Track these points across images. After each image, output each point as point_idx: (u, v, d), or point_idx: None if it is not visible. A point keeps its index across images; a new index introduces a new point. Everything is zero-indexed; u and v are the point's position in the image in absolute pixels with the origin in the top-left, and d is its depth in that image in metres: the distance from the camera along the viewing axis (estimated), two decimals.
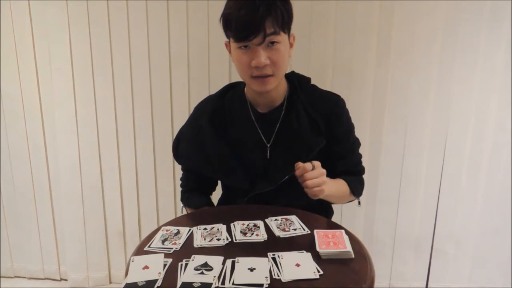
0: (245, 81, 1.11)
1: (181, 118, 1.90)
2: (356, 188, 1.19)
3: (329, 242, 0.88)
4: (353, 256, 0.86)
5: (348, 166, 1.19)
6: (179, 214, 1.96)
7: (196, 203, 1.24)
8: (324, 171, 1.02)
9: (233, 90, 1.22)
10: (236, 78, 1.80)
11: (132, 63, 1.86)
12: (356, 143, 1.23)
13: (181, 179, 1.30)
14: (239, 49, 1.03)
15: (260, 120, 1.16)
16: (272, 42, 1.01)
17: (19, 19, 1.85)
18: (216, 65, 1.84)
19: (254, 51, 1.01)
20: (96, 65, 1.87)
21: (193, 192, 1.26)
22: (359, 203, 1.23)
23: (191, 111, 1.86)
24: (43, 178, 2.03)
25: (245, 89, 1.19)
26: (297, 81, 1.18)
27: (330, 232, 0.92)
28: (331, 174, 1.14)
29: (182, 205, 1.28)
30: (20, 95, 1.94)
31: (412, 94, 1.80)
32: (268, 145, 1.15)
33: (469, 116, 1.80)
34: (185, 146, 1.21)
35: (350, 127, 1.21)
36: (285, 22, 1.01)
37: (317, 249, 0.86)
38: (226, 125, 1.17)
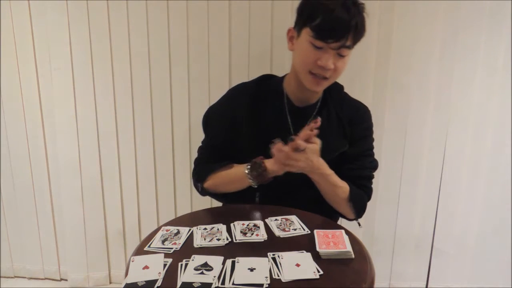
0: (300, 73, 1.10)
1: (181, 118, 1.90)
2: (356, 199, 1.16)
3: (329, 242, 0.88)
4: (353, 256, 0.86)
5: (353, 173, 1.17)
6: (179, 214, 1.96)
7: (222, 165, 1.20)
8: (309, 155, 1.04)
9: (270, 81, 1.23)
10: (236, 78, 1.79)
11: (132, 63, 1.86)
12: (371, 159, 1.21)
13: (200, 154, 1.28)
14: (311, 44, 1.02)
15: (293, 114, 1.17)
16: (343, 55, 1.03)
17: (19, 19, 1.85)
18: (216, 65, 1.84)
19: (325, 52, 1.02)
20: (96, 65, 1.87)
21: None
22: (359, 224, 1.22)
23: (191, 111, 1.88)
24: (43, 178, 2.03)
25: (283, 82, 1.20)
26: (332, 85, 1.19)
27: (330, 232, 0.92)
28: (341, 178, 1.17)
29: (199, 183, 1.25)
30: (20, 95, 1.94)
31: (412, 94, 1.80)
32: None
33: (469, 116, 1.80)
34: (216, 124, 1.22)
35: (368, 137, 1.22)
36: (359, 40, 1.05)
37: (317, 249, 0.86)
38: (260, 111, 1.17)
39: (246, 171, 1.10)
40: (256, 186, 1.12)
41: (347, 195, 1.15)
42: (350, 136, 1.16)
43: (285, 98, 1.18)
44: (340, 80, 1.78)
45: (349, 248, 0.86)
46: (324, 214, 1.10)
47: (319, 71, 1.04)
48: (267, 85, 1.21)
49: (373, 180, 1.86)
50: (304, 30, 1.03)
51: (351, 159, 1.18)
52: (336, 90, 1.20)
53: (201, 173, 1.24)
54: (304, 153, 1.02)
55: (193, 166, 1.33)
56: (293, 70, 1.14)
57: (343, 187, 1.15)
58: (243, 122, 1.16)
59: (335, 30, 0.98)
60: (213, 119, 1.24)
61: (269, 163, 1.08)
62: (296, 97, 1.17)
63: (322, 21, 0.98)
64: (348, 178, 1.17)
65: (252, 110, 1.17)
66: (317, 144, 1.04)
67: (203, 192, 1.26)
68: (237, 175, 1.15)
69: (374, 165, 1.23)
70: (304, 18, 1.03)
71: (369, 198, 1.23)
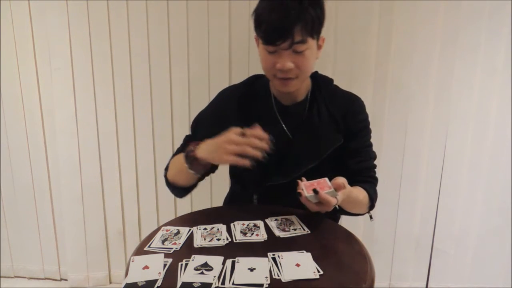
0: (269, 78, 1.12)
1: (181, 118, 1.90)
2: (374, 196, 1.18)
3: (315, 188, 0.93)
4: (338, 195, 0.93)
5: (362, 166, 1.18)
6: (179, 214, 1.96)
7: (177, 152, 1.15)
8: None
9: (257, 82, 1.23)
10: (236, 78, 1.80)
11: (132, 63, 1.86)
12: (372, 150, 1.22)
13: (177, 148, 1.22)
14: (266, 50, 1.03)
15: (283, 113, 1.17)
16: (299, 51, 1.00)
17: (19, 19, 1.85)
18: (216, 65, 1.84)
19: (280, 54, 1.01)
20: (96, 65, 1.87)
21: None
22: (371, 217, 1.22)
23: (191, 111, 1.88)
24: (43, 178, 2.03)
25: (269, 82, 1.20)
26: (320, 80, 1.20)
27: (314, 181, 0.96)
28: (342, 174, 1.14)
29: (164, 173, 1.17)
30: (20, 95, 1.94)
31: (412, 94, 1.80)
32: (292, 138, 1.15)
33: (469, 116, 1.80)
34: (206, 124, 1.19)
35: (367, 128, 1.22)
36: (315, 28, 1.00)
37: (305, 194, 0.92)
38: (250, 113, 1.16)
39: (183, 160, 1.05)
40: (199, 175, 1.07)
41: (368, 200, 1.17)
42: (346, 129, 1.15)
43: (273, 98, 1.18)
44: (340, 79, 1.79)
45: (332, 188, 0.93)
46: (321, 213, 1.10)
47: (281, 75, 1.04)
48: (257, 86, 1.22)
49: None
50: (257, 37, 1.05)
51: (356, 152, 1.18)
52: (325, 84, 1.20)
53: (168, 162, 1.18)
54: (339, 193, 0.97)
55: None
56: None
57: (364, 197, 1.15)
58: (233, 124, 1.12)
59: (277, 32, 0.96)
60: (203, 122, 1.23)
61: (199, 151, 1.01)
62: (282, 97, 1.18)
63: (265, 26, 0.98)
64: (357, 171, 1.17)
65: (242, 111, 1.16)
66: (341, 178, 0.99)
67: (167, 183, 1.18)
68: (180, 164, 1.07)
69: (375, 155, 1.25)
70: (254, 26, 1.04)
71: (376, 186, 1.24)
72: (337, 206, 1.13)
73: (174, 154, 1.20)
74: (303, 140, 1.14)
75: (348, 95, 1.20)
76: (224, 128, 1.13)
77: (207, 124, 1.20)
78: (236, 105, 1.16)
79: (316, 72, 1.23)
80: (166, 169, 1.18)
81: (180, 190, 1.17)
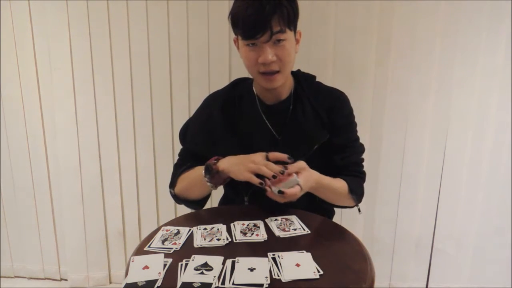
0: (253, 77, 1.14)
1: (181, 118, 1.90)
2: (356, 188, 1.16)
3: (280, 182, 0.98)
4: (299, 181, 0.97)
5: (347, 161, 1.17)
6: (179, 214, 1.96)
7: (187, 167, 1.18)
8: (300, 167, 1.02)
9: (242, 84, 1.25)
10: (236, 78, 1.79)
11: (132, 63, 1.86)
12: (358, 143, 1.22)
13: (176, 162, 1.26)
14: (247, 46, 1.06)
15: (268, 113, 1.18)
16: (279, 40, 1.03)
17: (19, 19, 1.85)
18: (216, 65, 1.84)
19: (261, 48, 1.04)
20: (96, 65, 1.87)
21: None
22: (359, 210, 1.21)
23: (191, 111, 1.88)
24: (43, 178, 2.03)
25: (253, 83, 1.22)
26: (302, 78, 1.21)
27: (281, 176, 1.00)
28: (331, 170, 1.15)
29: (171, 189, 1.21)
30: (20, 95, 1.94)
31: (412, 94, 1.80)
32: (279, 137, 1.16)
33: (469, 116, 1.80)
34: (193, 132, 1.22)
35: (352, 122, 1.21)
36: (291, 20, 1.03)
37: (272, 189, 0.96)
38: (235, 116, 1.19)
39: (203, 173, 1.08)
40: (215, 189, 1.11)
41: (347, 191, 1.15)
42: (331, 125, 1.15)
43: (257, 99, 1.20)
44: (340, 80, 1.80)
45: (294, 176, 0.97)
46: (311, 210, 1.11)
47: (265, 69, 1.06)
48: (240, 88, 1.24)
49: (373, 180, 1.85)
50: (238, 37, 1.08)
51: (342, 147, 1.17)
52: (307, 81, 1.21)
53: (172, 178, 1.22)
54: (299, 177, 1.01)
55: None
56: None
57: (342, 186, 1.14)
58: (219, 128, 1.17)
59: (256, 25, 1.00)
60: (190, 129, 1.25)
61: (221, 163, 1.07)
62: (265, 96, 1.19)
63: (242, 23, 1.02)
64: (343, 167, 1.17)
65: (226, 115, 1.18)
66: (301, 162, 1.03)
67: (176, 199, 1.22)
68: (196, 178, 1.12)
69: (363, 149, 1.24)
70: (232, 26, 1.07)
71: (364, 181, 1.24)
72: (317, 199, 1.14)
73: (176, 169, 1.21)
74: (289, 138, 1.15)
75: (332, 90, 1.21)
76: (211, 133, 1.17)
77: (194, 131, 1.22)
78: (220, 109, 1.18)
79: (299, 70, 1.24)
80: (172, 185, 1.20)
81: (194, 203, 1.20)
